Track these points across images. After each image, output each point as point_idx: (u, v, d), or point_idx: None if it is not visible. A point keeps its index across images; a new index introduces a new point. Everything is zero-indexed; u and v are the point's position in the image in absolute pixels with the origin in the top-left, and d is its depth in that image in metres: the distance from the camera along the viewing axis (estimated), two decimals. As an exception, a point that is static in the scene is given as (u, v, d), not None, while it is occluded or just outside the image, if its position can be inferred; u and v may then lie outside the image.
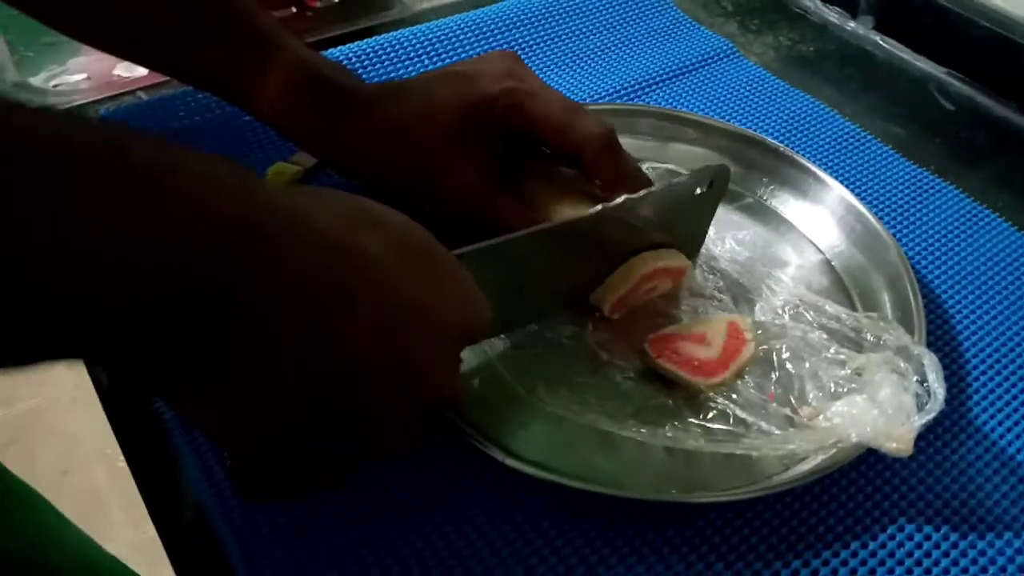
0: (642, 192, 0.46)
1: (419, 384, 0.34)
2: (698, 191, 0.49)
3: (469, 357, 0.46)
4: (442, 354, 0.35)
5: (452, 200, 0.48)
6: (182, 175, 0.26)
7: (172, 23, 0.48)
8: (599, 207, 0.45)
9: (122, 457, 0.41)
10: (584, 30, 0.71)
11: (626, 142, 0.49)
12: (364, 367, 0.31)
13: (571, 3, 0.73)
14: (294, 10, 0.74)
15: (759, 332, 0.48)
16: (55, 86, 0.64)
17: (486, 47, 0.68)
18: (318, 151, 0.52)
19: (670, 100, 0.65)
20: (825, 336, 0.48)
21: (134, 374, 0.31)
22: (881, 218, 0.54)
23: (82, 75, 0.64)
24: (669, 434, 0.44)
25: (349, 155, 0.49)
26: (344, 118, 0.48)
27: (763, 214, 0.56)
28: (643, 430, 0.44)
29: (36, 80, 0.64)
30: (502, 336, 0.47)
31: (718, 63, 0.69)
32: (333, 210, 0.32)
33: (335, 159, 0.51)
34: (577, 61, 0.68)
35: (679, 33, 0.72)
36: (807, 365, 0.46)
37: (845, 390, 0.45)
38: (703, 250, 0.52)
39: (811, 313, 0.49)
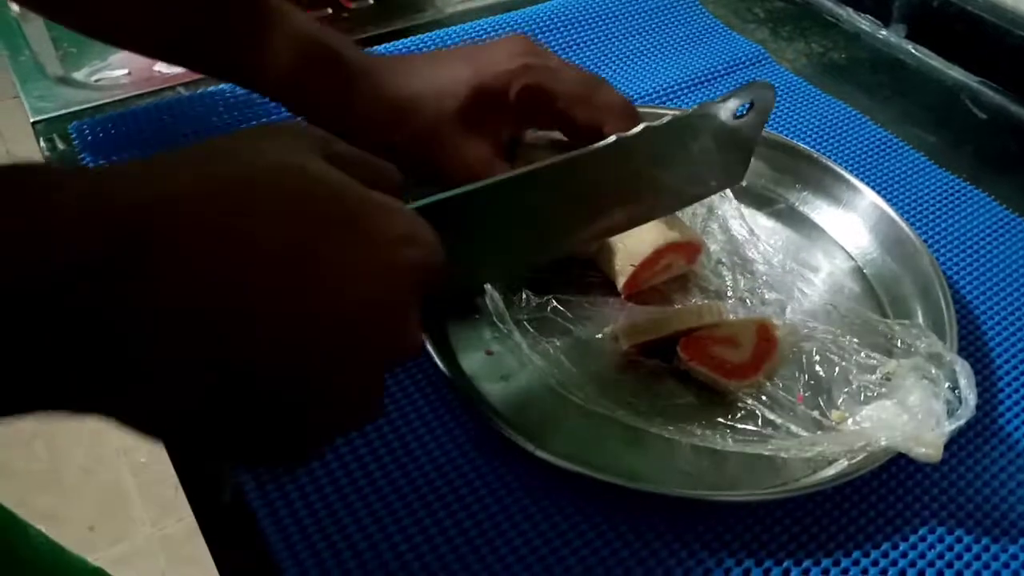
0: (667, 118, 0.44)
1: (367, 356, 0.30)
2: (736, 115, 0.47)
3: (503, 352, 0.47)
4: (392, 311, 0.31)
5: (460, 173, 0.47)
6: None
7: (175, 5, 0.48)
8: (613, 138, 0.43)
9: (143, 455, 0.42)
10: (617, 34, 0.71)
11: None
12: (294, 361, 0.28)
13: (604, 7, 0.73)
14: (329, 11, 0.75)
15: (789, 334, 0.48)
16: (97, 81, 0.65)
17: (519, 49, 0.68)
18: (326, 122, 0.49)
19: (702, 104, 0.65)
20: (856, 340, 0.48)
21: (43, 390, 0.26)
22: (913, 225, 0.54)
23: (123, 70, 0.66)
24: (697, 433, 0.44)
25: (357, 125, 0.48)
26: (352, 90, 0.47)
27: (795, 219, 0.57)
28: (671, 428, 0.44)
29: (79, 75, 0.65)
30: (534, 330, 0.48)
31: (750, 68, 0.70)
32: (233, 191, 0.28)
33: (343, 130, 0.48)
34: (610, 65, 0.69)
35: (711, 38, 0.72)
36: (837, 369, 0.47)
37: (875, 394, 0.45)
38: (734, 252, 0.53)
39: (842, 318, 0.49)
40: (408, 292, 0.31)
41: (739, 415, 0.45)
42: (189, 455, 0.32)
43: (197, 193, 0.27)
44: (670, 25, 0.73)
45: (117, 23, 0.50)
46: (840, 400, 0.45)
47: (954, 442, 0.44)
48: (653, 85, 0.67)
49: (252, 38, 0.47)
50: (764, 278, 0.52)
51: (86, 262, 0.24)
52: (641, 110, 0.53)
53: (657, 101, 0.65)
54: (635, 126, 0.45)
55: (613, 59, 0.69)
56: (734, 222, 0.54)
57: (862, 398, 0.45)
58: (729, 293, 0.51)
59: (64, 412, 0.26)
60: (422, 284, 0.32)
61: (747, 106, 0.47)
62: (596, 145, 0.43)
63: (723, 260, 0.52)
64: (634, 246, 0.49)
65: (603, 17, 0.72)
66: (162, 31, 0.49)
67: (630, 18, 0.73)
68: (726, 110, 0.46)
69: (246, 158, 0.30)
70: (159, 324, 0.26)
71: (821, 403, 0.45)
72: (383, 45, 0.67)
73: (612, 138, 0.44)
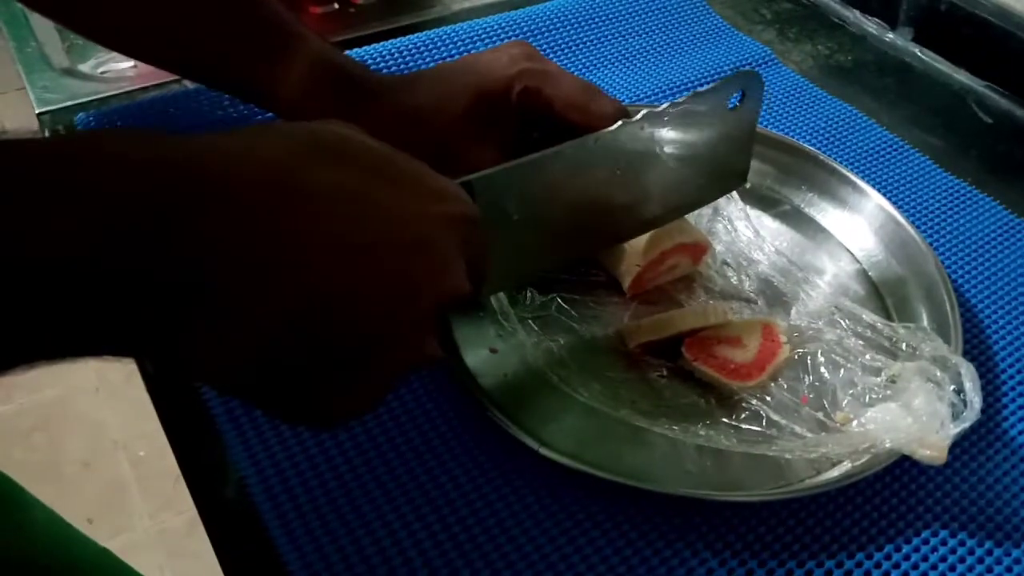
0: (664, 105, 0.45)
1: (413, 301, 0.32)
2: (731, 105, 0.47)
3: (507, 349, 0.47)
4: (437, 252, 0.33)
5: None
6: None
7: (189, 21, 0.48)
8: (620, 121, 0.45)
9: (143, 448, 0.42)
10: (623, 33, 0.71)
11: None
12: (337, 305, 0.30)
13: (611, 6, 0.73)
14: (336, 6, 0.75)
15: (794, 335, 0.48)
16: (103, 72, 0.65)
17: (526, 47, 0.68)
18: None
19: (708, 105, 0.65)
20: (861, 343, 0.48)
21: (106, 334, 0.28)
22: (918, 228, 0.54)
23: (129, 62, 0.65)
24: (701, 433, 0.44)
25: None
26: (364, 108, 0.48)
27: (800, 221, 0.57)
28: (675, 427, 0.44)
29: (85, 66, 0.65)
30: (538, 329, 0.48)
31: (757, 69, 0.69)
32: (278, 145, 0.31)
33: None
34: (616, 64, 0.69)
35: (718, 39, 0.72)
36: (842, 371, 0.47)
37: (879, 397, 0.45)
38: (739, 253, 0.53)
39: (847, 320, 0.49)
40: (450, 238, 0.33)
41: (743, 416, 0.45)
42: (254, 408, 0.34)
43: (245, 149, 0.30)
44: (677, 25, 0.73)
45: (121, 31, 0.50)
46: (844, 402, 0.45)
47: (958, 445, 0.44)
48: (659, 85, 0.67)
49: (266, 58, 0.48)
50: (769, 279, 0.52)
51: (139, 220, 0.26)
52: (650, 109, 0.53)
53: (663, 101, 0.64)
54: None
55: (620, 58, 0.69)
56: (740, 223, 0.54)
57: (867, 400, 0.45)
58: (734, 294, 0.51)
59: (121, 356, 0.28)
60: (463, 234, 0.34)
61: (739, 96, 0.47)
62: (602, 131, 0.44)
63: (728, 261, 0.52)
64: (639, 246, 0.49)
65: (610, 16, 0.72)
66: (168, 45, 0.50)
67: (637, 17, 0.73)
68: (719, 99, 0.47)
69: (290, 125, 0.33)
70: (214, 274, 0.27)
71: (825, 404, 0.45)
72: (389, 41, 0.67)
73: (619, 123, 0.44)
